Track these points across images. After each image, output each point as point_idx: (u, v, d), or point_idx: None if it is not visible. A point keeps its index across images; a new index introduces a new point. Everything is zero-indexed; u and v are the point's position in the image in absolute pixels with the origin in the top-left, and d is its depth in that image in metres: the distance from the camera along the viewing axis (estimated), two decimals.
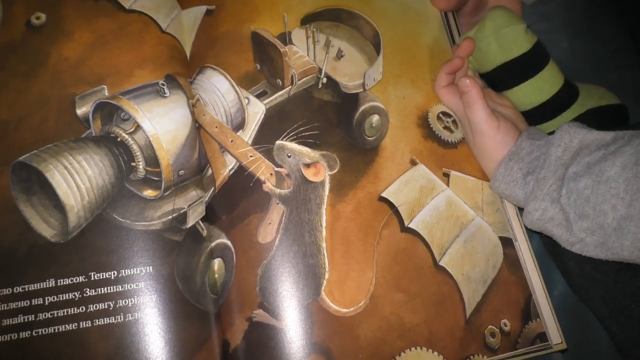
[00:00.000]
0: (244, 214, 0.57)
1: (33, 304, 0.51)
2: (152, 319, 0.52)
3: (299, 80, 0.62)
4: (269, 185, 0.57)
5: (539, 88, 0.65)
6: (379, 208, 0.59)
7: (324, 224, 0.57)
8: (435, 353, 0.55)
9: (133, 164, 0.56)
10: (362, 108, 0.62)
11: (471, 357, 0.56)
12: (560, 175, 0.52)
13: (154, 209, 0.55)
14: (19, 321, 0.51)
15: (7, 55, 0.58)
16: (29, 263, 0.52)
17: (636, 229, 0.47)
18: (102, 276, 0.52)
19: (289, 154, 0.58)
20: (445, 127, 0.64)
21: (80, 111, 0.56)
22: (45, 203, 0.54)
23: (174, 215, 0.55)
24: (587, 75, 0.73)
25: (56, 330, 0.51)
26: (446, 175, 0.62)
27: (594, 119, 0.66)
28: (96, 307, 0.51)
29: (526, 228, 0.59)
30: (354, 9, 0.66)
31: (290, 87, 0.61)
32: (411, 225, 0.59)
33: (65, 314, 0.51)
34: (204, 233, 0.56)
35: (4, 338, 0.51)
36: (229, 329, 0.54)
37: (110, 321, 0.51)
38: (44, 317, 0.51)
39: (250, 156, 0.58)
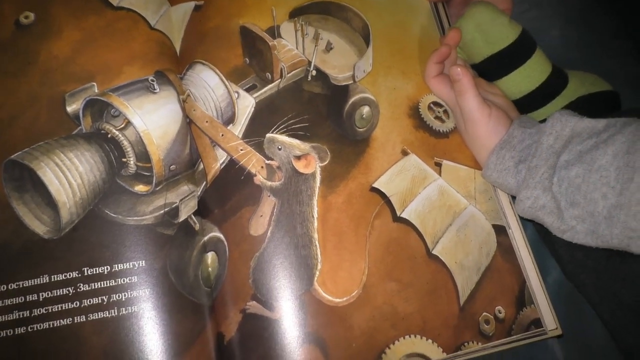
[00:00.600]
0: (236, 207, 0.57)
1: (27, 300, 0.51)
2: (146, 313, 0.52)
3: (288, 73, 0.62)
4: (260, 178, 0.58)
5: (528, 76, 0.65)
6: (371, 199, 0.59)
7: (315, 215, 0.57)
8: (430, 341, 0.55)
9: (124, 159, 0.56)
10: (352, 100, 0.62)
11: (465, 344, 0.56)
12: (551, 163, 0.52)
13: (145, 203, 0.56)
14: (14, 317, 0.51)
15: None
16: (22, 260, 0.52)
17: (626, 218, 0.47)
18: (96, 271, 0.53)
19: (280, 147, 0.58)
20: (437, 117, 0.64)
21: (70, 109, 0.57)
22: (38, 200, 0.54)
23: (165, 209, 0.55)
24: (578, 63, 0.73)
25: (51, 326, 0.51)
26: (438, 165, 0.62)
27: (585, 106, 0.66)
28: (90, 301, 0.52)
29: (519, 216, 0.59)
30: (343, 1, 0.66)
31: (279, 80, 0.62)
32: (403, 215, 0.59)
33: (60, 309, 0.51)
34: (197, 227, 0.56)
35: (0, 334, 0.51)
36: (223, 321, 0.54)
37: (105, 315, 0.52)
38: (38, 312, 0.51)
39: (241, 150, 0.58)
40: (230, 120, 0.60)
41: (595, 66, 0.72)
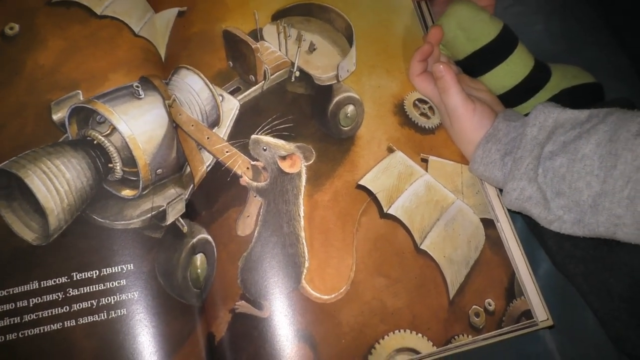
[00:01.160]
0: (223, 208, 0.58)
1: (18, 306, 0.52)
2: (136, 315, 0.53)
3: (271, 75, 0.62)
4: (246, 179, 0.58)
5: (511, 71, 0.65)
6: (357, 196, 0.59)
7: (302, 214, 0.57)
8: (419, 335, 0.55)
9: (110, 165, 0.57)
10: (336, 99, 0.63)
11: (456, 337, 0.56)
12: (536, 154, 0.53)
13: (132, 208, 0.56)
14: (4, 324, 0.51)
15: None
16: (12, 267, 0.53)
17: (611, 205, 0.48)
18: (85, 276, 0.53)
19: (265, 147, 0.59)
20: (422, 114, 0.64)
21: (56, 117, 0.58)
22: (26, 208, 0.55)
23: (152, 213, 0.56)
24: (563, 56, 0.73)
25: (42, 331, 0.52)
26: (424, 161, 0.62)
27: (569, 99, 0.66)
28: (80, 306, 0.52)
29: (507, 208, 0.60)
30: (325, 3, 0.67)
31: (263, 82, 0.62)
32: (390, 211, 0.59)
33: (50, 314, 0.52)
34: (185, 229, 0.57)
35: None
36: (213, 321, 0.55)
37: (94, 319, 0.52)
38: (29, 318, 0.52)
39: (227, 152, 0.59)
40: (215, 123, 0.61)
41: (579, 58, 0.72)
